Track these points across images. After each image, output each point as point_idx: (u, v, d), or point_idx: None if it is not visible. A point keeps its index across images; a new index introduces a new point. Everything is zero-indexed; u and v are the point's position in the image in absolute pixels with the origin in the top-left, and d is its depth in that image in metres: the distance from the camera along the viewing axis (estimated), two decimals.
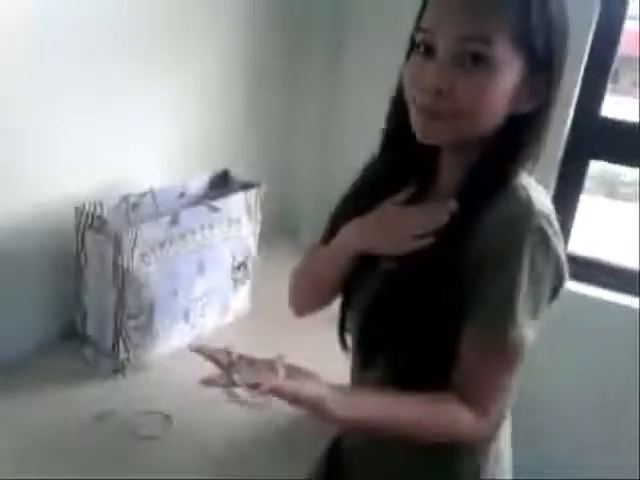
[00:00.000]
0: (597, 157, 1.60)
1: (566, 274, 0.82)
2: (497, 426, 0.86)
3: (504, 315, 0.78)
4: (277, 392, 0.76)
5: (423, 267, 0.82)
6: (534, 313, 0.79)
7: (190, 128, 1.46)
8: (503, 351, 0.80)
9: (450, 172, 0.86)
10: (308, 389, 0.78)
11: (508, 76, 0.75)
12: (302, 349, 0.89)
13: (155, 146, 1.38)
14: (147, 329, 1.18)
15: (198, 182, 1.34)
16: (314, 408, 0.78)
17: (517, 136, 0.80)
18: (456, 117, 0.76)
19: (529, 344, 0.80)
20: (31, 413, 1.07)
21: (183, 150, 1.45)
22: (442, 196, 0.85)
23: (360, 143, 1.78)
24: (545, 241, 0.77)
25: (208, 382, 0.79)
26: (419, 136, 0.80)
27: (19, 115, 1.08)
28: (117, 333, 1.15)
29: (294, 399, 0.77)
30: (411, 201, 0.90)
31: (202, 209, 1.22)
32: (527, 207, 0.78)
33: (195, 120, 1.47)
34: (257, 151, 1.70)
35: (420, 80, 0.76)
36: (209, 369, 0.93)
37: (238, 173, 1.41)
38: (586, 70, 1.50)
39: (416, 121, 0.79)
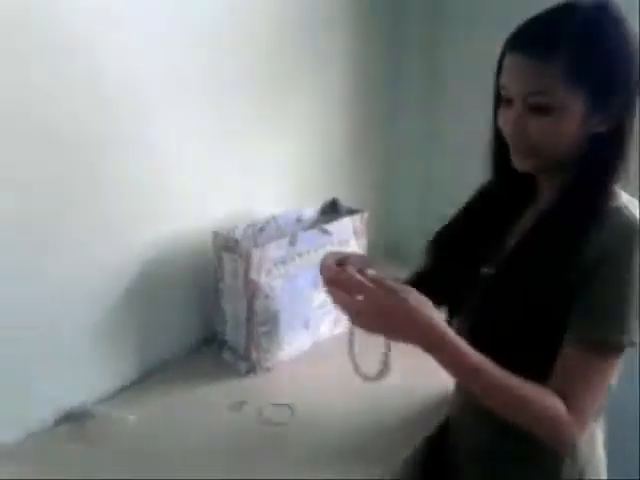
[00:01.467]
0: None
1: None
2: (585, 427, 0.92)
3: (617, 320, 0.88)
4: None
5: (523, 275, 0.93)
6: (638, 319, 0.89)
7: (305, 164, 1.69)
8: (610, 354, 0.90)
9: (548, 189, 1.00)
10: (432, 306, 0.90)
11: (573, 111, 0.89)
12: (407, 360, 1.04)
13: (276, 180, 1.61)
14: (274, 335, 1.39)
15: (311, 210, 1.56)
16: (431, 322, 0.88)
17: (599, 153, 0.92)
18: (534, 150, 0.93)
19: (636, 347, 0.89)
20: (180, 402, 1.30)
21: (299, 183, 1.68)
22: (541, 209, 0.99)
23: (455, 177, 1.93)
24: None
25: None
26: (514, 164, 0.97)
27: (165, 157, 1.33)
28: (249, 338, 1.37)
29: (419, 304, 0.88)
30: (516, 215, 1.05)
31: (316, 232, 1.42)
32: (633, 223, 0.89)
33: (309, 158, 1.70)
34: (361, 184, 1.90)
35: (505, 123, 0.95)
36: (326, 371, 1.09)
37: (345, 202, 1.61)
38: None
39: (511, 153, 0.97)
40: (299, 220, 1.53)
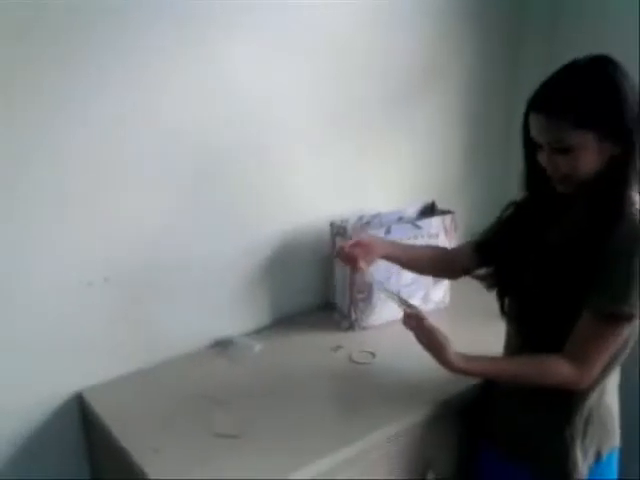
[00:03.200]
0: None
1: None
2: (591, 379, 1.24)
3: (621, 295, 1.17)
4: (421, 319, 1.31)
5: (563, 261, 1.24)
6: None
7: (412, 173, 2.10)
8: (616, 322, 1.19)
9: (582, 199, 1.28)
10: (443, 335, 1.30)
11: (587, 147, 1.17)
12: (486, 341, 1.40)
13: (386, 186, 2.04)
14: (369, 302, 1.81)
15: (412, 209, 1.96)
16: (440, 350, 1.27)
17: (617, 170, 1.20)
18: (567, 177, 1.22)
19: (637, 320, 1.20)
20: (296, 342, 1.78)
21: (403, 188, 2.09)
22: (576, 213, 1.28)
23: None
24: None
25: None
26: (556, 188, 1.27)
27: (296, 164, 1.83)
28: (350, 302, 1.81)
29: (429, 332, 1.30)
30: (552, 217, 1.33)
31: (408, 226, 1.82)
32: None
33: (418, 169, 2.11)
34: (468, 191, 2.26)
35: (542, 161, 1.25)
36: (407, 336, 1.47)
37: (444, 205, 1.98)
38: None
39: (551, 181, 1.27)
40: (400, 218, 1.93)
